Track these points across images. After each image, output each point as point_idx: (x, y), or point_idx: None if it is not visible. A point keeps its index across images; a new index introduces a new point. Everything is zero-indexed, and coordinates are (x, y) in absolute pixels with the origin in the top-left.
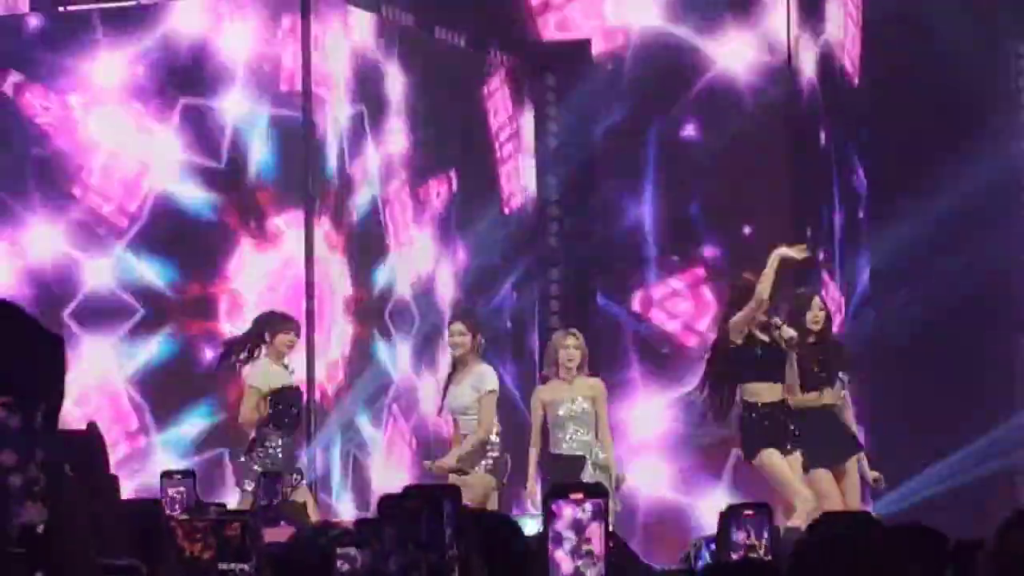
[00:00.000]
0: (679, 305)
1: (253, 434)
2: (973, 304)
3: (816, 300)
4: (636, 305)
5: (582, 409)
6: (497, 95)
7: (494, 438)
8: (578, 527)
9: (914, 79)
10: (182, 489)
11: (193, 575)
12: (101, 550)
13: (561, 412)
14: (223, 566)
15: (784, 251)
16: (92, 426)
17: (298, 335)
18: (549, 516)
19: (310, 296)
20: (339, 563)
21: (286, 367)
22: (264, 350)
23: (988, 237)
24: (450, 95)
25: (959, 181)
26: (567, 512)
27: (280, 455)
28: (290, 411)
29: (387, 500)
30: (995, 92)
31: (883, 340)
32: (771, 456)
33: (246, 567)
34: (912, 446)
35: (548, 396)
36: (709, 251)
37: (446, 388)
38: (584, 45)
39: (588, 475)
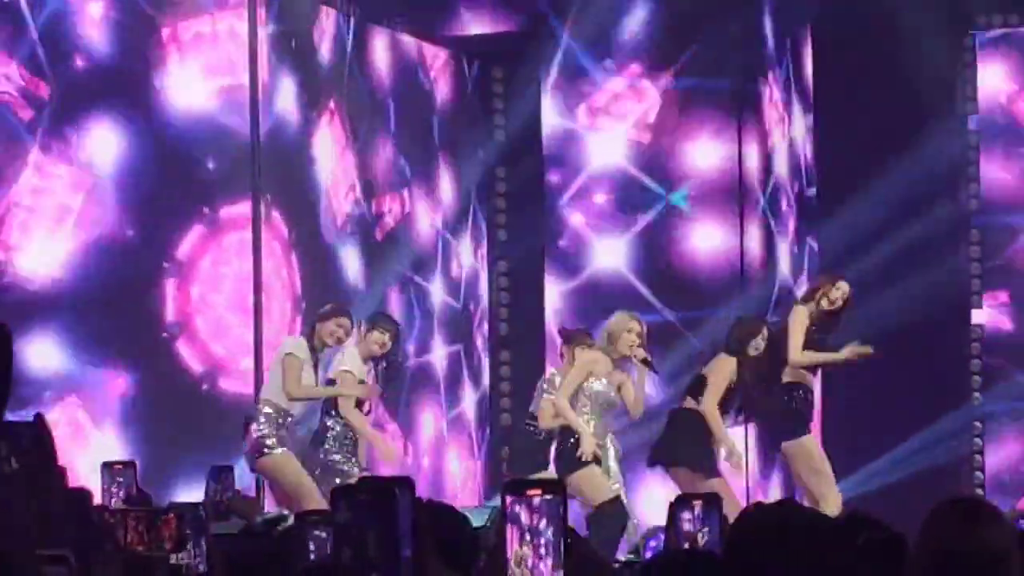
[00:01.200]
0: None
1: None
2: (922, 292)
3: (764, 330)
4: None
5: (615, 398)
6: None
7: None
8: (535, 522)
9: (864, 71)
10: (121, 480)
11: (137, 568)
12: (46, 543)
13: (603, 392)
14: (174, 560)
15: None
16: (39, 418)
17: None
18: (506, 511)
19: (258, 290)
20: (296, 554)
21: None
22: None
23: (935, 226)
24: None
25: (906, 171)
26: (524, 507)
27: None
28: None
29: (339, 492)
30: (942, 83)
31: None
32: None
33: (196, 562)
34: (867, 434)
35: (599, 370)
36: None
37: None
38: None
39: (612, 469)
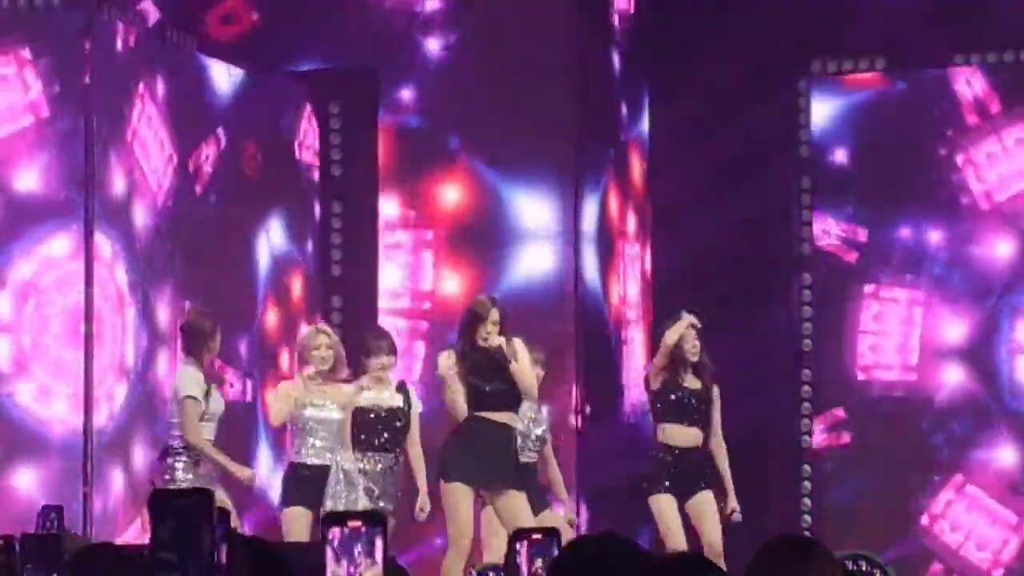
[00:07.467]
0: None
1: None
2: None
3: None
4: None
5: (329, 416)
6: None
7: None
8: (355, 554)
9: (698, 119)
10: None
11: None
12: None
13: (308, 414)
14: None
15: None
16: None
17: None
18: (324, 543)
19: (89, 320)
20: None
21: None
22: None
23: (764, 267)
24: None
25: (738, 216)
26: (343, 539)
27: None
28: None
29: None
30: (775, 129)
31: None
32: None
33: None
34: None
35: (301, 396)
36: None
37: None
38: (370, 71)
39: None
